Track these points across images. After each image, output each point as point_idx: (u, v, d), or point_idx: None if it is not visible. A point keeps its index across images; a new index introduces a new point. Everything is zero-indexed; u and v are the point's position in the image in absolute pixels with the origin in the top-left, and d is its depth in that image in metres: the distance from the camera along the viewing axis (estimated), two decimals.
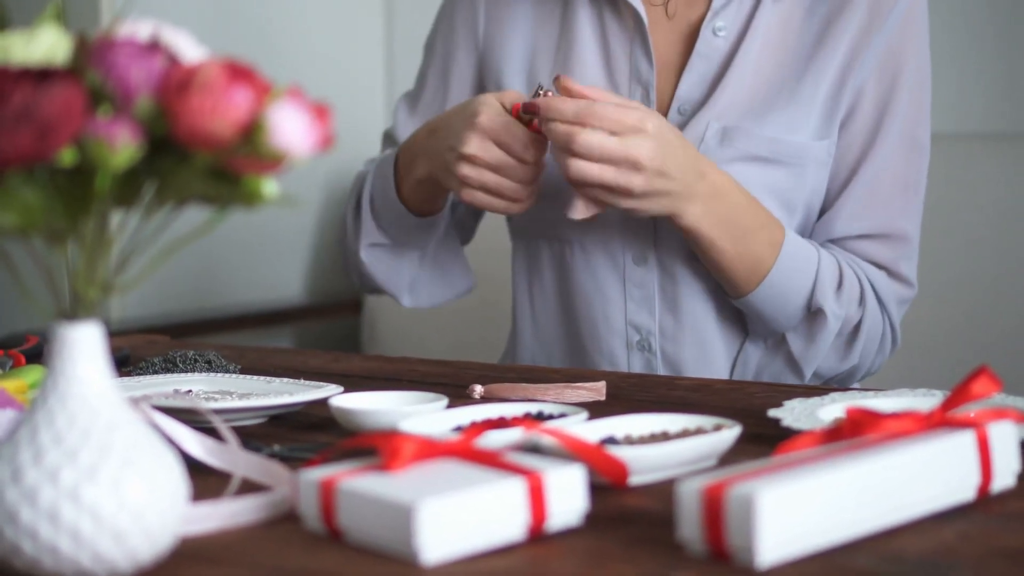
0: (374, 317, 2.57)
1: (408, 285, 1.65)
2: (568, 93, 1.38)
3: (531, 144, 1.40)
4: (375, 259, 1.63)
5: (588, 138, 1.34)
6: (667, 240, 1.52)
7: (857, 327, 1.52)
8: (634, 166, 1.35)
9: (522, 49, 1.62)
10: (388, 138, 1.73)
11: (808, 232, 1.56)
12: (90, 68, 0.76)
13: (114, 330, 1.90)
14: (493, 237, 1.92)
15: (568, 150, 1.35)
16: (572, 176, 1.36)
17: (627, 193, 1.37)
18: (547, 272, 1.62)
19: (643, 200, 1.38)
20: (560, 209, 1.55)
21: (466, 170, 1.41)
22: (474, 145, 1.40)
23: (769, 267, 1.47)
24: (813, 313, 1.50)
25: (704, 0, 1.56)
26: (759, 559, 0.79)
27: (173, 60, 0.77)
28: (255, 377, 1.32)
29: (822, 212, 1.56)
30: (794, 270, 1.48)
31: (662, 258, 1.54)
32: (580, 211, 1.41)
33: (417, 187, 1.54)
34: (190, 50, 0.78)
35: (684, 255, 1.52)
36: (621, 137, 1.35)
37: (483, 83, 1.66)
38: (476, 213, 1.73)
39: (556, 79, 1.39)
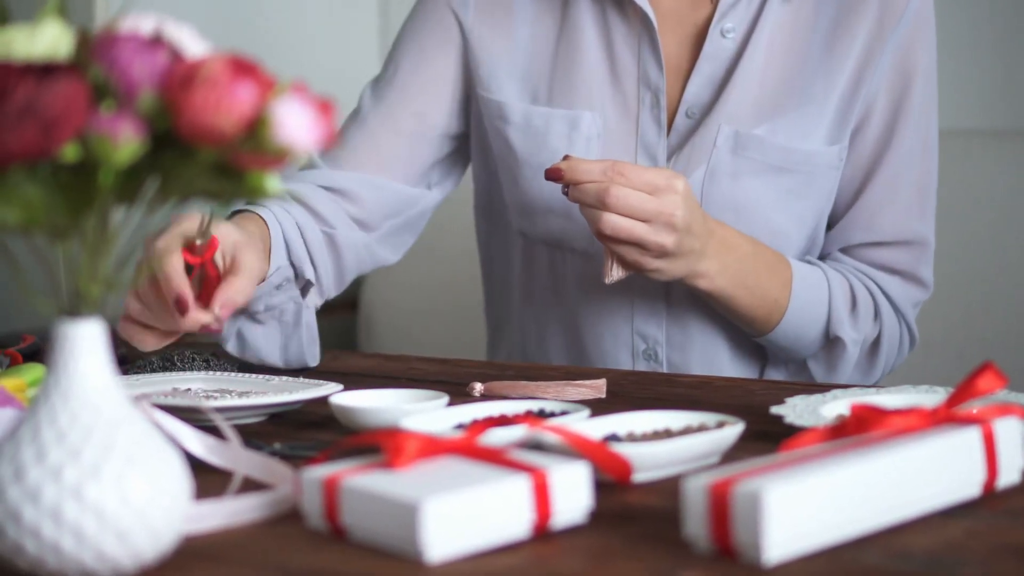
0: (370, 316, 2.57)
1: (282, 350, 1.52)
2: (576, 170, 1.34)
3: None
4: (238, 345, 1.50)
5: (625, 192, 1.31)
6: None
7: (877, 342, 1.52)
8: (668, 224, 1.33)
9: (516, 49, 1.56)
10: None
11: (820, 238, 1.56)
12: (93, 63, 0.76)
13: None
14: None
15: (602, 203, 1.31)
16: (605, 231, 1.32)
17: (661, 251, 1.34)
18: (552, 279, 1.59)
19: (671, 260, 1.36)
20: (567, 220, 1.53)
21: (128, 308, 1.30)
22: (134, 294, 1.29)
23: (785, 306, 1.46)
24: (832, 341, 1.50)
25: (711, 1, 1.54)
26: (766, 556, 0.79)
27: (176, 55, 0.77)
28: (254, 375, 1.32)
29: (837, 218, 1.55)
30: (808, 303, 1.47)
31: None
32: (614, 273, 1.37)
33: None
34: (193, 45, 0.77)
35: None
36: (655, 195, 1.33)
37: (470, 82, 1.59)
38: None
39: (565, 157, 1.35)
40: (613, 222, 1.32)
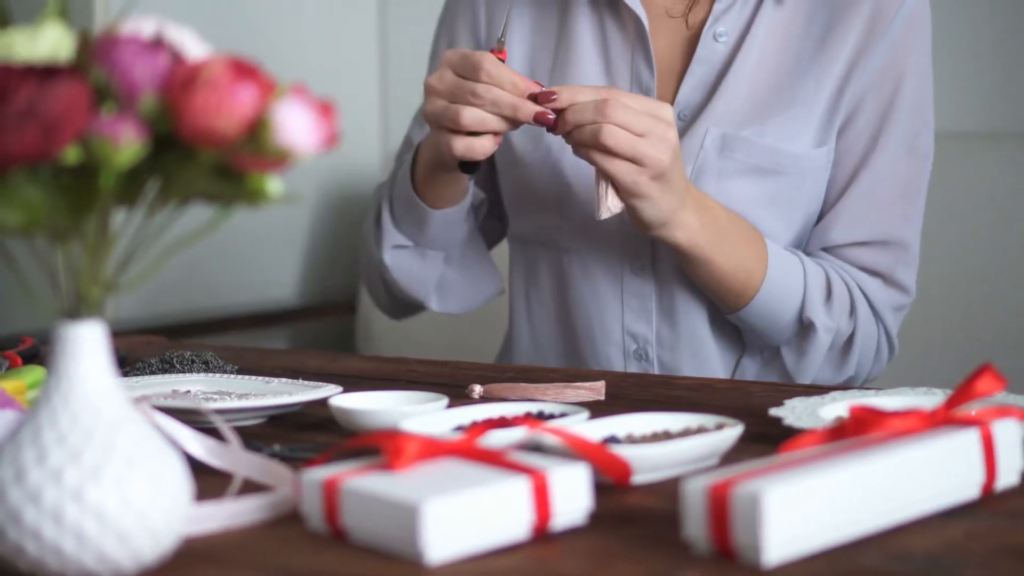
0: (368, 318, 2.57)
1: (435, 286, 1.61)
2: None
3: (485, 62, 1.34)
4: (399, 262, 1.59)
5: (623, 102, 1.32)
6: (665, 250, 1.51)
7: (850, 339, 1.52)
8: (664, 138, 1.33)
9: (521, 55, 1.60)
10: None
11: (806, 239, 1.56)
12: (94, 65, 0.76)
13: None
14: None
15: (602, 114, 1.31)
16: (608, 141, 1.31)
17: (658, 168, 1.33)
18: (545, 280, 1.61)
19: (664, 186, 1.35)
20: (559, 217, 1.54)
21: (428, 107, 1.37)
22: (433, 77, 1.36)
23: (760, 280, 1.46)
24: (804, 327, 1.50)
25: (705, 5, 1.54)
26: (765, 557, 0.79)
27: (177, 57, 0.77)
28: (253, 377, 1.32)
29: (819, 218, 1.56)
30: (782, 282, 1.48)
31: (660, 268, 1.53)
32: (608, 203, 1.35)
33: (428, 177, 1.50)
34: (194, 47, 0.77)
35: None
36: (648, 113, 1.33)
37: None
38: (500, 215, 1.70)
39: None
40: (615, 133, 1.31)
